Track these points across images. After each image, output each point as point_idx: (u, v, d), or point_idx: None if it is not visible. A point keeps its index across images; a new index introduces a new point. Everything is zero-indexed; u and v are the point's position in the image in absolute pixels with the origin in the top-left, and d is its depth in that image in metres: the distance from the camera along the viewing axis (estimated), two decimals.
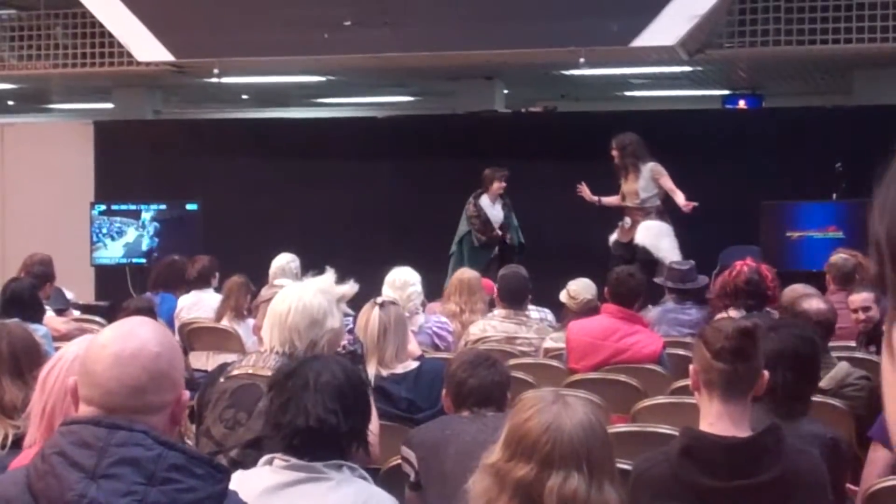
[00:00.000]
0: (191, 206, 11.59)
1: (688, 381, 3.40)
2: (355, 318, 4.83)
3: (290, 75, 12.89)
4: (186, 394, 2.25)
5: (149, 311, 6.37)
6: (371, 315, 4.72)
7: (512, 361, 5.69)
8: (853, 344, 6.24)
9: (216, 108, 16.74)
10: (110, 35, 11.31)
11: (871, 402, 4.57)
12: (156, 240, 11.54)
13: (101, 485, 2.03)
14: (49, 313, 7.01)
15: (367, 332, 4.68)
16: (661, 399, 5.05)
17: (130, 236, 11.63)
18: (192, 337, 7.44)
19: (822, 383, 4.52)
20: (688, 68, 11.91)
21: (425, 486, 3.77)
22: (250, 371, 3.56)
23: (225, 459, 3.28)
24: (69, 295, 8.59)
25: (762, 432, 3.07)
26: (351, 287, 3.78)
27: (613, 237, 9.80)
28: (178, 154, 12.80)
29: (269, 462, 2.88)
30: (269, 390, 2.99)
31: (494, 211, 10.51)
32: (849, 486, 3.98)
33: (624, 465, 2.97)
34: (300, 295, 3.61)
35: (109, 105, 14.54)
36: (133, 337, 2.19)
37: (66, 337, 5.67)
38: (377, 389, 4.47)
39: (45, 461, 2.08)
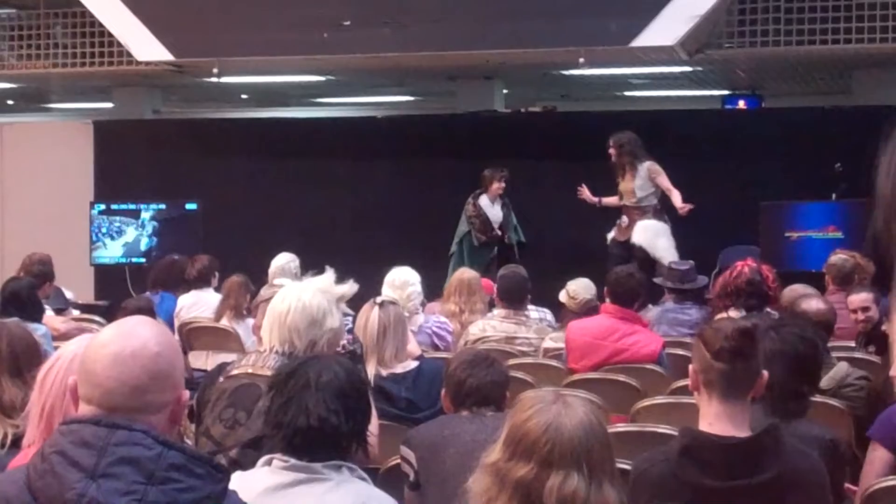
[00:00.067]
0: (190, 206, 11.58)
1: (687, 382, 3.40)
2: (355, 317, 4.83)
3: (290, 75, 12.88)
4: (186, 393, 2.24)
5: (148, 311, 6.38)
6: (371, 315, 4.73)
7: (511, 361, 5.69)
8: (852, 344, 6.24)
9: (216, 108, 16.71)
10: (110, 34, 11.30)
11: (870, 402, 4.58)
12: (155, 239, 11.53)
13: (101, 484, 2.03)
14: (48, 313, 7.02)
15: (367, 332, 4.69)
16: (660, 399, 5.05)
17: (130, 236, 11.62)
18: (192, 336, 7.45)
19: (822, 383, 4.52)
20: (687, 68, 11.91)
21: (424, 485, 3.77)
22: (250, 371, 3.55)
23: (224, 459, 3.28)
24: (68, 294, 8.60)
25: (761, 432, 3.07)
26: (350, 287, 3.77)
27: (611, 235, 9.82)
28: (178, 154, 12.78)
29: (268, 463, 2.87)
30: (270, 390, 2.98)
31: (494, 211, 10.52)
32: (848, 486, 3.98)
33: (623, 465, 2.97)
34: (300, 295, 3.61)
35: (109, 105, 14.54)
36: (133, 336, 2.19)
37: (66, 336, 5.66)
38: (376, 389, 4.47)
39: (45, 460, 2.08)
